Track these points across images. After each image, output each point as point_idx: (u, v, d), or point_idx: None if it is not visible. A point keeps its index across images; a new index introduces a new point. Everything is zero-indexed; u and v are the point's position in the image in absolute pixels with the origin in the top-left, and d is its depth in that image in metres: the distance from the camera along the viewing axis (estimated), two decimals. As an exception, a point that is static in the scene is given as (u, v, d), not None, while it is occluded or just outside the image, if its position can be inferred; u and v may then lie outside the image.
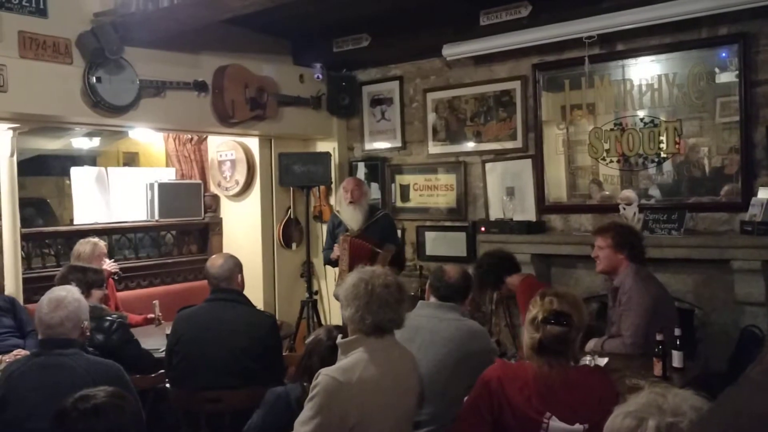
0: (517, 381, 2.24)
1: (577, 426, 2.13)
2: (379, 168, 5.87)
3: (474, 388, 2.33)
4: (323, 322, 5.63)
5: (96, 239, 4.48)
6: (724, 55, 4.21)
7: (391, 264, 4.50)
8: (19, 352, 3.45)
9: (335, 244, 4.74)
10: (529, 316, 2.27)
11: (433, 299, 2.97)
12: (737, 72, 4.11)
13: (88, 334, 2.76)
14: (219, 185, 6.05)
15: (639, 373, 2.90)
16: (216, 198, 6.09)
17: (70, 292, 2.75)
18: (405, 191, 5.78)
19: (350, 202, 4.75)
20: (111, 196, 5.59)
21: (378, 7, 4.63)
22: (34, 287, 4.45)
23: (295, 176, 5.55)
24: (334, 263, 4.83)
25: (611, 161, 4.64)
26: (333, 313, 5.78)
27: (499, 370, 2.31)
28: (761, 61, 4.06)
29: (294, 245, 5.98)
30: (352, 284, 2.32)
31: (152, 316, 4.34)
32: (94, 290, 3.54)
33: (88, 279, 3.52)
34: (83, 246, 4.35)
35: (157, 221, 5.64)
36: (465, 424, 2.30)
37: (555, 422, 2.14)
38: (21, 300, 4.34)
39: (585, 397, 2.20)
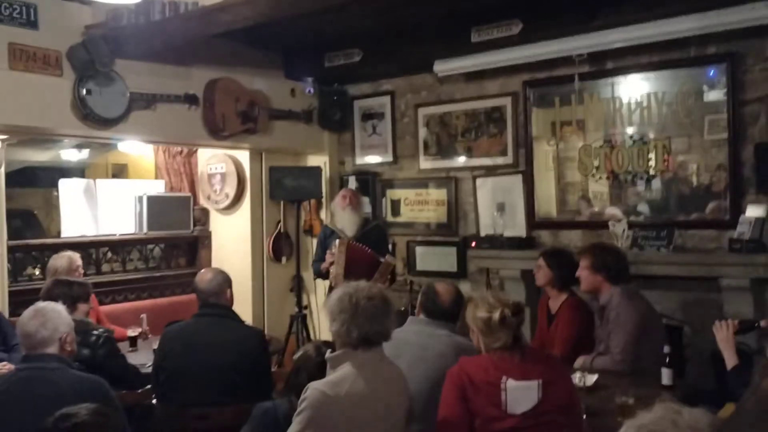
0: (474, 361, 2.47)
1: (532, 382, 2.36)
2: (370, 182, 5.87)
3: (444, 384, 2.47)
4: (312, 336, 5.59)
5: (70, 252, 4.40)
6: (712, 73, 4.26)
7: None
8: (4, 366, 3.40)
9: (327, 252, 4.70)
10: (495, 317, 2.40)
11: (422, 316, 2.95)
12: (725, 90, 4.16)
13: (70, 348, 2.71)
14: (209, 198, 6.02)
15: (628, 390, 2.89)
16: (205, 211, 6.06)
17: (52, 305, 2.73)
18: (396, 206, 5.78)
19: (347, 205, 4.73)
20: (99, 208, 5.55)
21: (370, 22, 4.65)
22: (20, 300, 4.38)
23: (286, 190, 5.54)
24: (324, 275, 4.79)
25: (601, 178, 4.67)
26: (322, 327, 5.74)
27: (460, 360, 2.51)
28: (749, 81, 4.11)
29: (284, 259, 5.95)
30: (337, 298, 2.33)
31: (133, 332, 4.27)
32: (79, 304, 3.49)
33: (74, 293, 3.48)
34: (59, 260, 4.27)
35: (145, 234, 5.60)
36: (445, 410, 2.42)
37: (511, 383, 2.35)
38: (6, 313, 4.27)
39: (534, 362, 2.43)
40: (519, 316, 2.45)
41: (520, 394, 2.34)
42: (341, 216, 4.78)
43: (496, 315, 2.40)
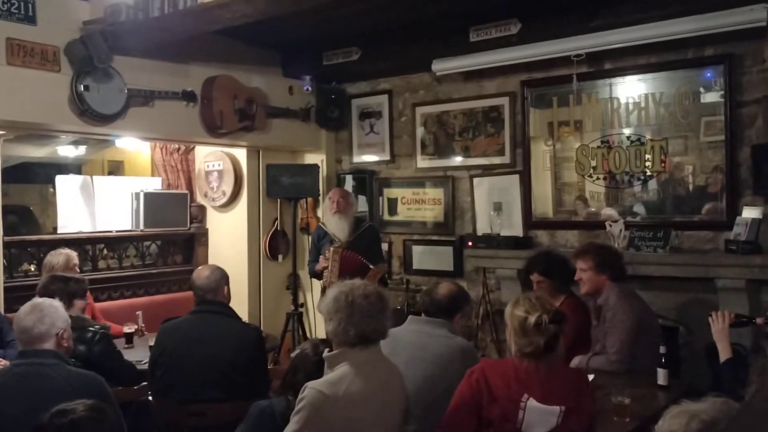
0: (497, 369, 2.39)
1: (554, 407, 2.27)
2: (367, 181, 5.87)
3: (460, 383, 2.42)
4: (308, 334, 5.60)
5: (68, 250, 4.38)
6: (709, 75, 4.27)
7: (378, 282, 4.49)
8: (0, 362, 3.39)
9: (321, 256, 4.71)
10: (531, 320, 2.31)
11: (423, 315, 2.96)
12: (722, 92, 4.17)
13: (67, 344, 2.70)
14: (206, 196, 6.02)
15: (624, 390, 2.90)
16: (202, 208, 6.05)
17: (49, 301, 2.73)
18: (393, 204, 5.78)
19: (335, 212, 4.72)
20: (96, 204, 5.54)
21: (368, 21, 4.65)
22: (16, 296, 4.37)
23: (283, 188, 5.54)
24: (319, 276, 4.80)
25: (598, 178, 4.68)
26: (318, 325, 5.74)
27: (483, 363, 2.48)
28: (746, 82, 4.12)
29: (280, 257, 5.95)
30: (333, 298, 2.32)
31: (128, 329, 4.26)
32: (76, 300, 3.49)
33: (70, 289, 3.47)
34: (56, 257, 4.26)
35: (142, 231, 5.59)
36: (453, 413, 2.38)
37: (532, 403, 2.27)
38: (1, 309, 4.27)
39: (560, 383, 2.33)
40: (558, 326, 2.33)
41: (539, 418, 2.27)
42: (331, 221, 4.77)
43: (533, 318, 2.30)
